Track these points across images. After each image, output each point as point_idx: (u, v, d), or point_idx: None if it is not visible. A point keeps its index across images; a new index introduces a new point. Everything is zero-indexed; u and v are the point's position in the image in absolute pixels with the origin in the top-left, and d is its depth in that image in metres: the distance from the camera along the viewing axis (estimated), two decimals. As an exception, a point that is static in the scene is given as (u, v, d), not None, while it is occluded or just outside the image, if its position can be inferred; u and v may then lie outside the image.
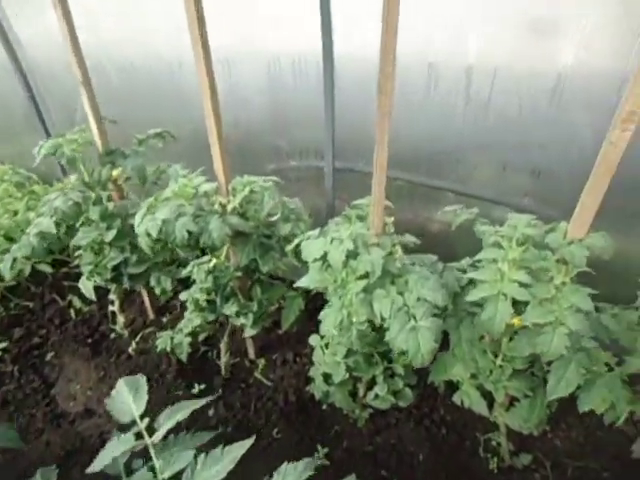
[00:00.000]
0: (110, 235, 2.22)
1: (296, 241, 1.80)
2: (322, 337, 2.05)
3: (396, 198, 2.28)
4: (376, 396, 2.05)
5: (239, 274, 2.20)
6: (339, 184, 2.60)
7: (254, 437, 1.13)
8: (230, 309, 2.23)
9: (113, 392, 1.25)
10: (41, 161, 2.41)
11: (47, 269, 2.79)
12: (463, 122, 2.19)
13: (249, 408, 2.36)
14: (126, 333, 2.79)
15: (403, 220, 2.41)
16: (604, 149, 1.32)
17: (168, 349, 2.30)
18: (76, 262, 2.90)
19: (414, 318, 1.47)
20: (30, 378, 2.57)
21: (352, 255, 1.63)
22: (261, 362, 2.62)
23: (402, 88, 2.13)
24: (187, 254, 2.14)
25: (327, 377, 2.05)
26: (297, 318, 2.40)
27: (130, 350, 2.68)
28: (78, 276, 2.78)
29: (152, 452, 1.09)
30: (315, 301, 2.53)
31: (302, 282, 1.68)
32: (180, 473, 1.03)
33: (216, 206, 1.97)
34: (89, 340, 2.78)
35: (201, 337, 2.51)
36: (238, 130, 2.68)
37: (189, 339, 2.28)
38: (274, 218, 1.98)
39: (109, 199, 2.36)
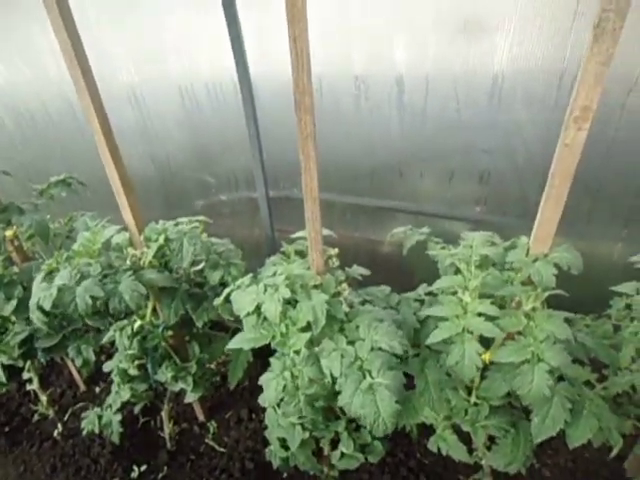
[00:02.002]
0: (10, 307, 1.87)
1: (225, 292, 1.53)
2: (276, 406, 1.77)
3: (340, 223, 2.07)
4: (342, 455, 1.79)
5: (170, 333, 1.90)
6: (276, 214, 2.36)
7: None
8: (165, 375, 1.92)
9: None
10: None
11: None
12: (401, 133, 2.02)
13: (200, 485, 2.04)
14: (52, 412, 2.41)
15: (349, 247, 2.19)
16: (559, 153, 1.14)
17: (97, 431, 1.95)
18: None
19: (369, 374, 1.23)
20: None
21: (291, 302, 1.38)
22: (212, 425, 2.31)
23: (329, 105, 1.94)
24: (96, 324, 1.82)
25: (284, 441, 1.77)
26: (246, 371, 2.11)
27: (56, 434, 2.29)
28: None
29: None
30: (266, 350, 2.25)
31: (234, 343, 1.41)
32: None
33: (128, 261, 1.67)
34: (6, 428, 2.37)
35: (137, 408, 2.17)
36: (157, 166, 2.40)
37: (119, 416, 1.95)
38: (199, 267, 1.71)
39: (10, 263, 2.02)
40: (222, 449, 2.19)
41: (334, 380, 1.25)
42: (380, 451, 1.78)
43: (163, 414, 2.20)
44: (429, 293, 1.62)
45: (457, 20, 1.68)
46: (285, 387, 1.30)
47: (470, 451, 1.70)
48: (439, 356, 1.44)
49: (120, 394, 1.92)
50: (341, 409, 1.75)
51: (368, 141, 2.06)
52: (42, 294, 1.44)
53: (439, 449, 1.70)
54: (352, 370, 1.24)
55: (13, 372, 2.45)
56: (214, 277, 1.70)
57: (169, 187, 2.42)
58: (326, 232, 1.68)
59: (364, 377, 1.22)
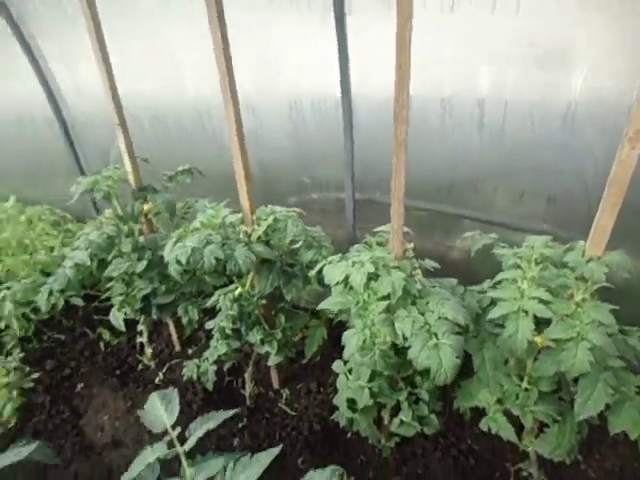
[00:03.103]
0: (140, 266, 2.32)
1: (319, 266, 1.86)
2: (345, 363, 2.06)
3: (416, 227, 2.34)
4: (401, 422, 2.04)
5: (263, 302, 2.26)
6: (359, 215, 2.68)
7: (281, 446, 1.16)
8: (255, 337, 2.27)
9: (146, 405, 1.30)
10: (76, 201, 2.57)
11: (79, 302, 2.89)
12: (480, 151, 2.26)
13: (274, 437, 2.36)
14: (153, 364, 2.85)
15: (423, 249, 2.46)
16: (614, 168, 1.37)
17: (194, 377, 2.34)
18: (105, 296, 3.03)
19: (435, 336, 1.50)
20: (60, 409, 2.63)
21: (373, 277, 1.68)
22: (285, 392, 2.63)
23: (418, 122, 2.24)
24: (214, 281, 2.20)
25: (351, 403, 2.05)
26: (320, 347, 2.43)
27: (157, 381, 2.72)
28: (108, 310, 2.89)
29: (183, 460, 1.12)
30: (338, 330, 2.55)
31: (324, 304, 1.73)
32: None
33: (241, 235, 2.05)
34: (117, 372, 2.84)
35: (226, 366, 2.54)
36: (261, 167, 2.80)
37: (214, 367, 2.32)
38: (297, 245, 2.05)
39: (140, 232, 2.49)
40: (293, 413, 2.51)
41: (405, 338, 1.53)
42: (435, 424, 2.01)
43: (246, 375, 2.56)
44: (492, 286, 1.85)
45: (536, 51, 1.93)
46: (364, 341, 1.60)
47: (518, 438, 1.89)
48: (496, 338, 1.67)
49: (217, 348, 2.30)
50: (405, 381, 2.01)
51: (449, 156, 2.33)
52: (179, 251, 1.84)
53: (489, 429, 1.91)
54: (421, 332, 1.51)
55: (126, 326, 2.94)
56: (307, 256, 2.04)
57: (268, 184, 2.81)
58: (405, 229, 1.97)
59: (430, 338, 1.49)
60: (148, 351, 2.83)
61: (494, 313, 1.50)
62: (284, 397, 2.61)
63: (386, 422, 2.18)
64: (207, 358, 2.36)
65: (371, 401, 1.99)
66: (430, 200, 2.47)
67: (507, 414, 1.88)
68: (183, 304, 2.48)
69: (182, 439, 1.17)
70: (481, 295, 1.85)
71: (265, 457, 1.10)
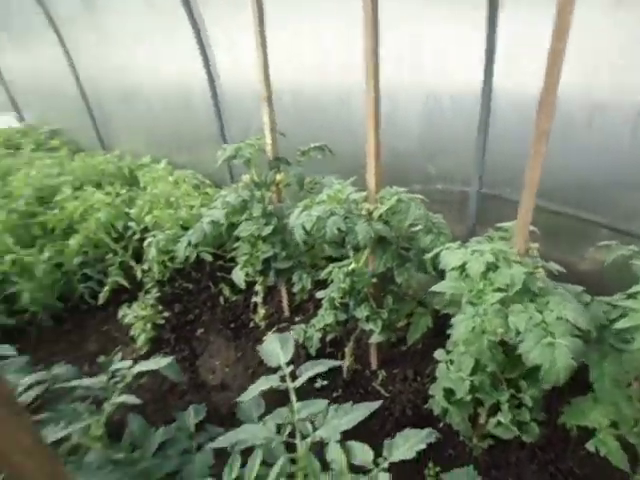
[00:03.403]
0: (267, 230, 2.52)
1: (436, 250, 1.88)
2: (448, 352, 2.06)
3: (543, 232, 2.23)
4: (499, 423, 1.98)
5: (374, 281, 2.33)
6: (482, 211, 2.61)
7: (380, 402, 1.22)
8: (362, 312, 2.35)
9: (265, 343, 1.45)
10: (214, 169, 2.85)
11: (208, 258, 3.22)
12: (630, 157, 2.08)
13: (366, 412, 2.44)
14: (263, 325, 3.08)
15: (549, 257, 2.33)
16: None
17: (300, 341, 2.49)
18: (230, 256, 3.34)
19: (552, 335, 1.44)
20: (182, 347, 2.97)
21: (492, 267, 1.65)
22: (381, 374, 2.69)
23: (563, 119, 2.12)
24: (332, 251, 2.32)
25: (448, 393, 2.04)
26: (423, 335, 2.44)
27: (264, 338, 2.94)
28: (230, 269, 3.18)
29: (292, 394, 1.25)
30: (442, 322, 2.53)
31: (437, 287, 1.75)
32: (313, 416, 1.17)
33: (363, 212, 2.13)
34: (232, 325, 3.13)
35: (329, 337, 2.66)
36: (392, 153, 2.85)
37: (319, 334, 2.45)
38: (416, 228, 2.08)
39: (269, 201, 2.70)
40: (386, 394, 2.56)
41: (517, 332, 1.49)
42: (536, 433, 1.92)
43: (347, 350, 2.66)
44: (626, 297, 1.71)
45: None
46: (473, 328, 1.59)
47: (632, 469, 1.74)
48: (621, 354, 1.55)
49: (324, 317, 2.42)
50: (508, 382, 1.95)
51: (594, 158, 2.17)
52: (305, 218, 1.98)
53: (597, 450, 1.78)
54: (536, 329, 1.46)
55: (242, 289, 3.21)
56: (425, 240, 2.06)
57: (395, 170, 2.85)
58: (531, 228, 1.90)
59: (546, 336, 1.44)
60: (260, 312, 3.06)
61: (623, 323, 1.40)
62: (380, 378, 2.66)
63: (482, 421, 2.14)
64: (314, 325, 2.50)
65: (469, 396, 1.97)
66: (565, 203, 2.32)
67: (621, 439, 1.74)
68: (299, 272, 2.65)
69: (293, 377, 1.30)
70: (609, 307, 1.72)
71: (364, 408, 1.17)
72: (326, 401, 1.22)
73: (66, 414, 1.22)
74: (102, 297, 3.16)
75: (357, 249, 2.12)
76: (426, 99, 2.62)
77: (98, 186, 4.04)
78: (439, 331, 2.25)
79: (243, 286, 2.86)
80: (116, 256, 3.39)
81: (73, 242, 3.25)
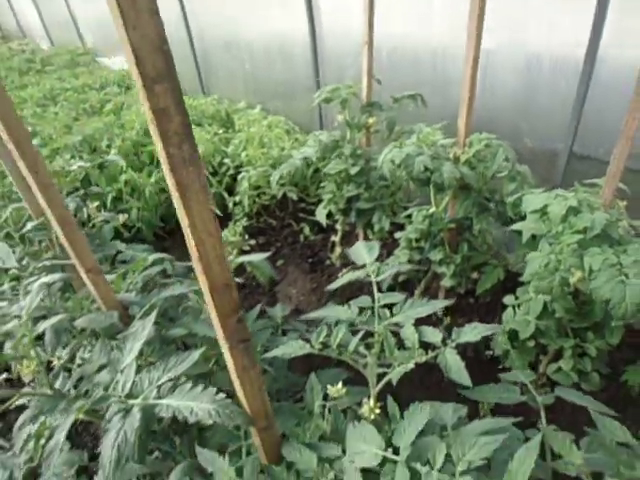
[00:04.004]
0: (354, 169, 2.68)
1: (517, 195, 1.95)
2: (517, 298, 2.14)
3: (633, 197, 2.20)
4: (559, 369, 2.06)
5: (452, 226, 2.43)
6: (570, 170, 2.59)
7: (454, 300, 1.38)
8: (436, 255, 2.47)
9: (353, 247, 1.64)
10: (305, 117, 2.98)
11: (293, 196, 3.46)
12: None
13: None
14: (338, 263, 3.29)
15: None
16: None
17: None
18: (312, 201, 3.56)
19: (625, 276, 1.49)
20: (263, 274, 3.26)
21: (573, 212, 1.71)
22: (446, 320, 2.81)
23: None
24: (417, 189, 2.42)
25: (512, 336, 2.13)
26: (492, 287, 2.52)
27: (339, 275, 3.16)
28: (311, 212, 3.40)
29: (374, 286, 1.43)
30: (512, 281, 2.60)
31: (516, 226, 1.83)
32: (392, 305, 1.34)
33: (451, 155, 2.22)
34: (309, 260, 3.37)
35: (401, 279, 2.82)
36: (485, 108, 2.88)
37: (393, 272, 2.60)
38: (501, 174, 2.15)
39: (359, 143, 2.84)
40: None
41: (591, 271, 1.56)
42: (596, 383, 1.99)
43: (416, 291, 2.80)
44: None
45: None
46: (547, 265, 1.67)
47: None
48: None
49: (399, 256, 2.58)
50: (574, 332, 2.01)
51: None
52: (395, 153, 2.11)
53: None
54: (611, 269, 1.52)
55: (321, 229, 3.43)
56: (509, 187, 2.12)
57: (484, 123, 2.88)
58: (623, 186, 1.91)
59: (619, 275, 1.49)
60: (337, 250, 3.26)
61: None
62: (444, 324, 2.79)
63: (542, 370, 2.21)
64: (388, 264, 2.66)
65: (533, 342, 2.06)
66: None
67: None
68: (379, 213, 2.79)
69: (377, 273, 1.48)
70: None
71: (438, 304, 1.33)
72: (403, 296, 1.39)
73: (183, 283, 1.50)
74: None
75: (441, 189, 2.22)
76: (525, 58, 2.61)
77: (198, 125, 4.39)
78: (508, 289, 2.32)
79: (325, 223, 3.06)
80: (211, 188, 3.71)
81: (176, 170, 3.60)
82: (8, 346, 1.22)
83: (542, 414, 1.10)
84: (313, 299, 3.02)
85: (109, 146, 3.80)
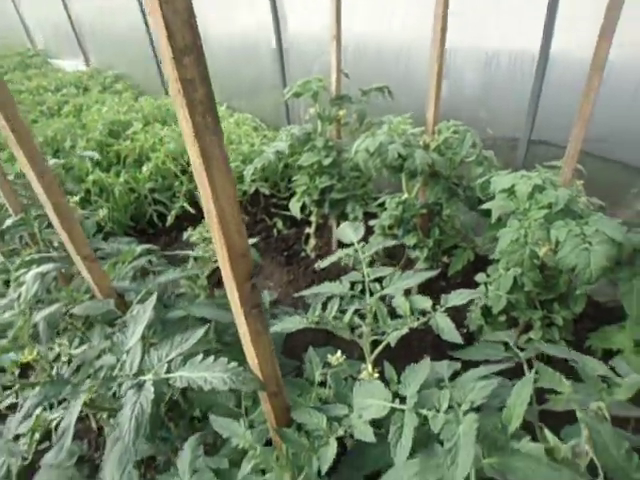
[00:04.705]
0: (327, 161, 2.75)
1: (486, 177, 2.07)
2: (488, 276, 2.27)
3: (587, 180, 2.37)
4: (529, 340, 2.20)
5: (424, 211, 2.54)
6: (530, 156, 2.77)
7: (439, 270, 1.47)
8: (410, 240, 2.58)
9: (339, 228, 1.71)
10: (272, 114, 3.02)
11: (265, 191, 3.50)
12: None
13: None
14: (313, 255, 3.36)
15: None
16: None
17: (350, 265, 2.75)
18: (283, 196, 3.61)
19: (589, 243, 1.63)
20: (239, 269, 3.28)
21: (538, 189, 1.84)
22: (421, 303, 2.92)
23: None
24: (391, 176, 2.51)
25: (486, 311, 2.26)
26: (463, 268, 2.65)
27: (315, 266, 3.22)
28: (283, 207, 3.46)
29: (363, 263, 1.50)
30: (480, 261, 2.74)
31: (487, 205, 1.95)
32: (381, 279, 1.42)
33: (421, 143, 2.33)
34: (284, 253, 3.42)
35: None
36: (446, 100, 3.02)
37: (368, 259, 2.69)
38: (469, 159, 2.27)
39: (330, 135, 2.92)
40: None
41: (557, 243, 1.69)
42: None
43: (391, 278, 2.90)
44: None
45: None
46: (517, 239, 1.79)
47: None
48: (650, 272, 1.73)
49: (373, 245, 2.66)
50: (541, 304, 2.16)
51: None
52: (369, 142, 2.20)
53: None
54: (575, 238, 1.66)
55: (294, 223, 3.50)
56: (477, 171, 2.25)
57: (448, 115, 3.03)
58: (578, 166, 2.06)
59: (582, 243, 1.63)
60: (312, 242, 3.33)
61: (655, 236, 1.58)
62: (419, 306, 2.90)
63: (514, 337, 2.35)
64: (364, 252, 2.75)
65: (504, 316, 2.19)
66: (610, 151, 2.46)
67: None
68: (352, 203, 2.88)
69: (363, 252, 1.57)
70: (643, 234, 1.88)
71: (424, 274, 1.42)
72: (391, 270, 1.48)
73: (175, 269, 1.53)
74: (169, 219, 3.48)
75: (414, 175, 2.32)
76: (485, 55, 2.77)
77: (164, 124, 4.35)
78: (478, 270, 2.46)
79: (298, 216, 3.12)
80: (182, 185, 3.70)
81: (145, 169, 3.57)
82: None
83: (525, 367, 1.20)
84: (291, 291, 3.07)
85: (73, 147, 3.72)
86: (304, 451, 1.00)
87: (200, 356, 1.05)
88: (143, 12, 5.19)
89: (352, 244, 1.62)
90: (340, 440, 1.10)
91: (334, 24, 2.61)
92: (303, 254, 3.41)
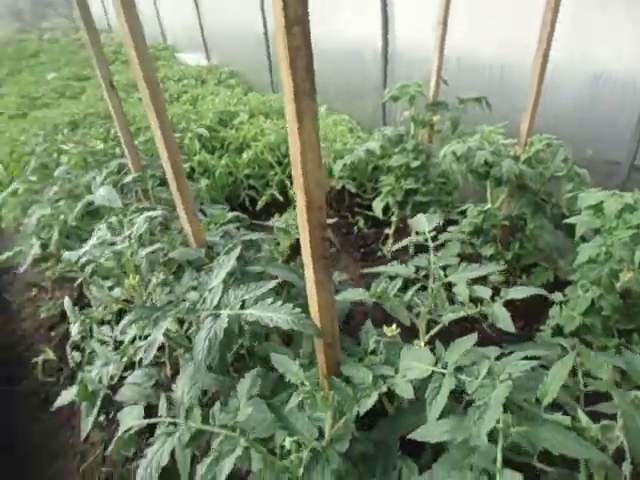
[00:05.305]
0: (415, 163, 2.82)
1: (575, 193, 2.03)
2: (565, 296, 2.20)
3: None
4: (600, 367, 2.10)
5: (505, 223, 2.52)
6: (630, 183, 2.63)
7: (504, 266, 1.51)
8: (487, 251, 2.57)
9: (415, 218, 1.80)
10: (368, 118, 3.12)
11: (352, 189, 3.64)
12: None
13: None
14: (389, 256, 3.42)
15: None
16: None
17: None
18: (368, 197, 3.72)
19: (676, 268, 1.56)
20: (316, 258, 3.44)
21: (629, 209, 1.78)
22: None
23: None
24: (475, 182, 2.53)
25: (557, 331, 2.19)
26: (541, 286, 2.58)
27: (385, 251, 3.32)
28: (367, 207, 3.57)
29: (431, 250, 1.57)
30: (560, 286, 2.64)
31: (571, 219, 1.91)
32: (445, 267, 1.48)
33: (511, 153, 2.33)
34: (361, 250, 3.52)
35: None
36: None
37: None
38: (559, 174, 2.23)
39: (421, 139, 2.99)
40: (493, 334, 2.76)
41: (641, 264, 1.63)
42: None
43: (463, 287, 2.89)
44: None
45: None
46: (598, 255, 1.75)
47: None
48: None
49: (451, 248, 2.68)
50: (620, 333, 2.05)
51: None
52: (458, 146, 2.25)
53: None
54: (661, 262, 1.59)
55: (375, 224, 3.60)
56: (567, 186, 2.20)
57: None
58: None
59: (669, 268, 1.56)
60: (389, 243, 3.40)
61: None
62: (489, 321, 2.86)
63: (583, 368, 2.26)
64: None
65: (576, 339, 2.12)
66: None
67: None
68: (434, 207, 2.92)
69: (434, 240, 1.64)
70: None
71: (487, 268, 1.46)
72: (458, 258, 1.53)
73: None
74: (259, 204, 3.74)
75: (499, 183, 2.32)
76: (593, 73, 2.69)
77: (267, 117, 4.67)
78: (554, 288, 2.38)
79: (380, 215, 3.21)
80: (275, 175, 3.95)
81: (245, 156, 3.87)
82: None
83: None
84: (362, 284, 3.16)
85: (186, 129, 4.13)
86: (348, 400, 1.10)
87: (270, 299, 1.19)
88: (265, 22, 5.61)
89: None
90: (381, 404, 1.18)
91: (439, 31, 2.69)
92: (379, 254, 3.49)
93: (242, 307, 1.21)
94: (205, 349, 1.11)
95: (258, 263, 1.56)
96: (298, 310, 1.13)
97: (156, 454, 1.10)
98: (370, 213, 3.54)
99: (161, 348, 1.76)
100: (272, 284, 1.29)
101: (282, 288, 1.58)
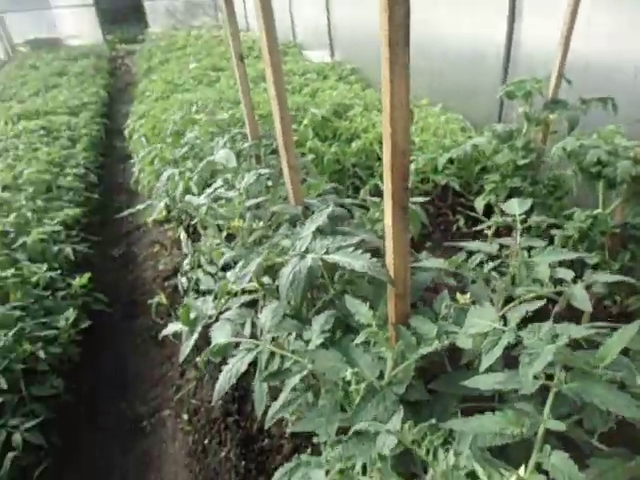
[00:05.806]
0: (523, 162, 2.75)
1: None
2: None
3: None
4: None
5: (616, 231, 2.36)
6: None
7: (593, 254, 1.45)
8: (592, 258, 2.42)
9: (508, 201, 1.80)
10: (483, 119, 3.06)
11: (456, 186, 3.61)
12: None
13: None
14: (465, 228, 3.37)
15: None
16: None
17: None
18: (472, 198, 3.66)
19: None
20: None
21: None
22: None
23: None
24: (586, 181, 2.38)
25: None
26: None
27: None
28: (469, 207, 3.52)
29: (517, 232, 1.58)
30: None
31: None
32: (530, 248, 1.49)
33: (631, 154, 2.18)
34: (441, 227, 3.57)
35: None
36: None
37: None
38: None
39: (533, 138, 2.89)
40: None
41: None
42: None
43: (561, 296, 2.75)
44: None
45: None
46: None
47: None
48: None
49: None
50: None
51: None
52: (569, 141, 2.16)
53: None
54: None
55: (475, 224, 3.52)
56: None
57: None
58: None
59: None
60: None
61: None
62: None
63: None
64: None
65: None
66: None
67: None
68: (539, 210, 2.80)
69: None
70: None
71: (572, 254, 1.42)
72: (545, 242, 1.51)
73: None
74: (363, 192, 3.87)
75: (612, 185, 2.19)
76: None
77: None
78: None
79: (481, 212, 3.16)
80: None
81: (354, 145, 4.03)
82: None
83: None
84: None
85: (303, 117, 4.40)
86: (411, 347, 1.17)
87: (351, 248, 1.30)
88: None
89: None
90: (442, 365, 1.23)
91: (565, 29, 2.59)
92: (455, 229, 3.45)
93: (326, 253, 1.34)
94: (288, 283, 1.25)
95: (348, 226, 1.68)
96: (375, 259, 1.23)
97: (237, 363, 1.27)
98: (472, 214, 3.49)
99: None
100: (356, 239, 1.40)
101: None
